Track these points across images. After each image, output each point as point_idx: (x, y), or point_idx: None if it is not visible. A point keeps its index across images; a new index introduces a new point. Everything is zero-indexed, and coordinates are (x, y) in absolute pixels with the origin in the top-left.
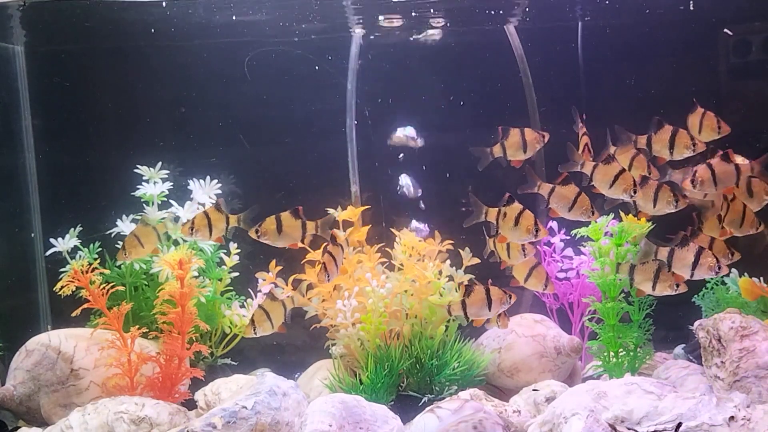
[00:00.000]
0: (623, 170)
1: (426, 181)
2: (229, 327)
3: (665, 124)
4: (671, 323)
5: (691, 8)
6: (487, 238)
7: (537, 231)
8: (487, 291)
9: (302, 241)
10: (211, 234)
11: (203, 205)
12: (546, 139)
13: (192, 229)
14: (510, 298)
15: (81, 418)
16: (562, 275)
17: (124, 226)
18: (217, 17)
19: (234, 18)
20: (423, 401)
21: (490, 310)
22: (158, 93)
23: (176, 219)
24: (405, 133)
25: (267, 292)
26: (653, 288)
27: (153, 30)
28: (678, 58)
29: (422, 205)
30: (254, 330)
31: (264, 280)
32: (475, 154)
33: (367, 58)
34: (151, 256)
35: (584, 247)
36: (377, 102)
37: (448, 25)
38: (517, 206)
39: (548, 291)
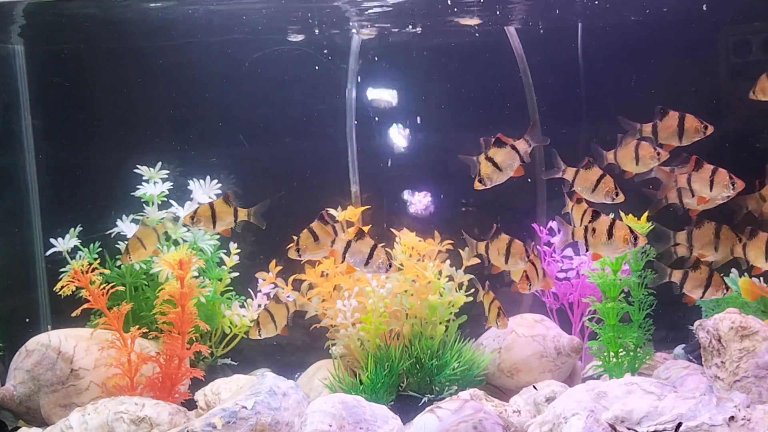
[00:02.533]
0: (604, 174)
1: (426, 181)
2: (229, 327)
3: (670, 111)
4: (671, 323)
5: (704, 8)
6: (474, 241)
7: (636, 239)
8: (510, 243)
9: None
10: (214, 225)
11: None
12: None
13: (193, 219)
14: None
15: (81, 418)
16: (562, 275)
17: (124, 226)
18: (216, 17)
19: (233, 17)
20: (423, 401)
21: (507, 262)
22: (158, 93)
23: (176, 219)
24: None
25: (272, 295)
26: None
27: (153, 30)
28: (678, 58)
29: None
30: (259, 331)
31: (264, 280)
32: (464, 162)
33: (367, 58)
34: (151, 256)
35: None
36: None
37: (449, 25)
38: (605, 219)
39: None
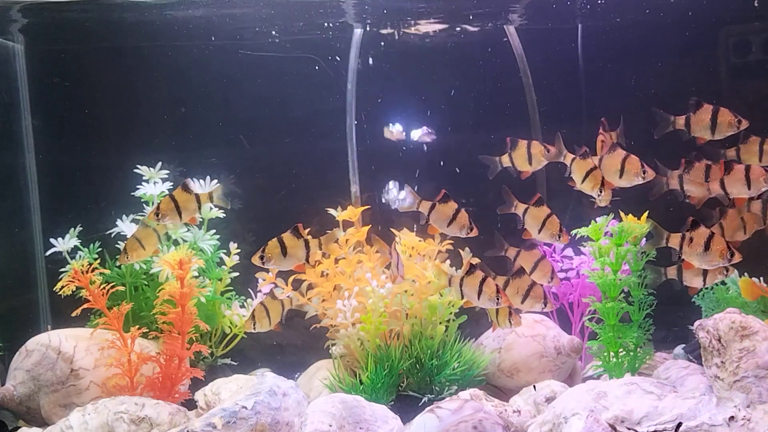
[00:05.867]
0: (595, 168)
1: (427, 181)
2: (229, 327)
3: (704, 104)
4: (671, 323)
5: (756, 5)
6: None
7: (732, 255)
8: (483, 280)
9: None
10: (180, 216)
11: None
12: (552, 154)
13: (158, 215)
14: (499, 298)
15: (81, 418)
16: (562, 275)
17: (124, 226)
18: (216, 17)
19: (233, 17)
20: (423, 401)
21: (479, 299)
22: (158, 93)
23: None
24: (395, 129)
25: (268, 291)
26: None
27: (153, 30)
28: (678, 58)
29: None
30: (254, 325)
31: (264, 280)
32: (485, 163)
33: (367, 58)
34: (151, 257)
35: (584, 247)
36: (377, 102)
37: (448, 25)
38: (704, 230)
39: (554, 284)
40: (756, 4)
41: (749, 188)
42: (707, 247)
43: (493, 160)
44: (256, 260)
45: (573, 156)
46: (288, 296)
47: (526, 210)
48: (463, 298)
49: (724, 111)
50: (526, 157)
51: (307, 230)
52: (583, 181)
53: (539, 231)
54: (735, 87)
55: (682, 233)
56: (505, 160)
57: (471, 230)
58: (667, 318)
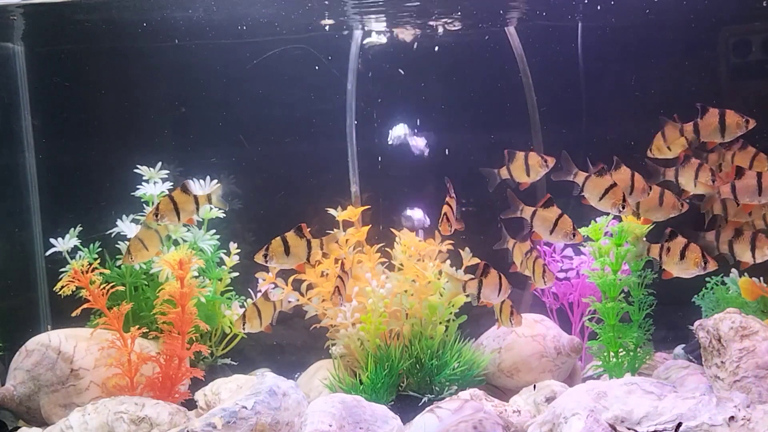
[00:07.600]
0: (614, 184)
1: (426, 181)
2: (229, 327)
3: (710, 108)
4: (671, 323)
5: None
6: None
7: (706, 263)
8: (500, 276)
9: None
10: (179, 217)
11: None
12: (550, 165)
13: (157, 215)
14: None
15: (81, 418)
16: (562, 275)
17: (124, 226)
18: (216, 17)
19: (233, 18)
20: (423, 401)
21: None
22: (158, 93)
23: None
24: (400, 133)
25: (263, 291)
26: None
27: (152, 30)
28: (678, 58)
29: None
30: (243, 325)
31: (264, 280)
32: (484, 175)
33: (367, 58)
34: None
35: (584, 247)
36: (377, 102)
37: (448, 24)
38: (681, 240)
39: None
40: (765, 3)
41: (760, 195)
42: (683, 256)
43: (492, 172)
44: (259, 258)
45: (586, 174)
46: (280, 298)
47: (534, 212)
48: (479, 300)
49: (731, 112)
50: (524, 168)
51: (308, 229)
52: (601, 199)
53: (551, 232)
54: (735, 87)
55: (660, 244)
56: (504, 172)
57: (457, 225)
58: (667, 318)
